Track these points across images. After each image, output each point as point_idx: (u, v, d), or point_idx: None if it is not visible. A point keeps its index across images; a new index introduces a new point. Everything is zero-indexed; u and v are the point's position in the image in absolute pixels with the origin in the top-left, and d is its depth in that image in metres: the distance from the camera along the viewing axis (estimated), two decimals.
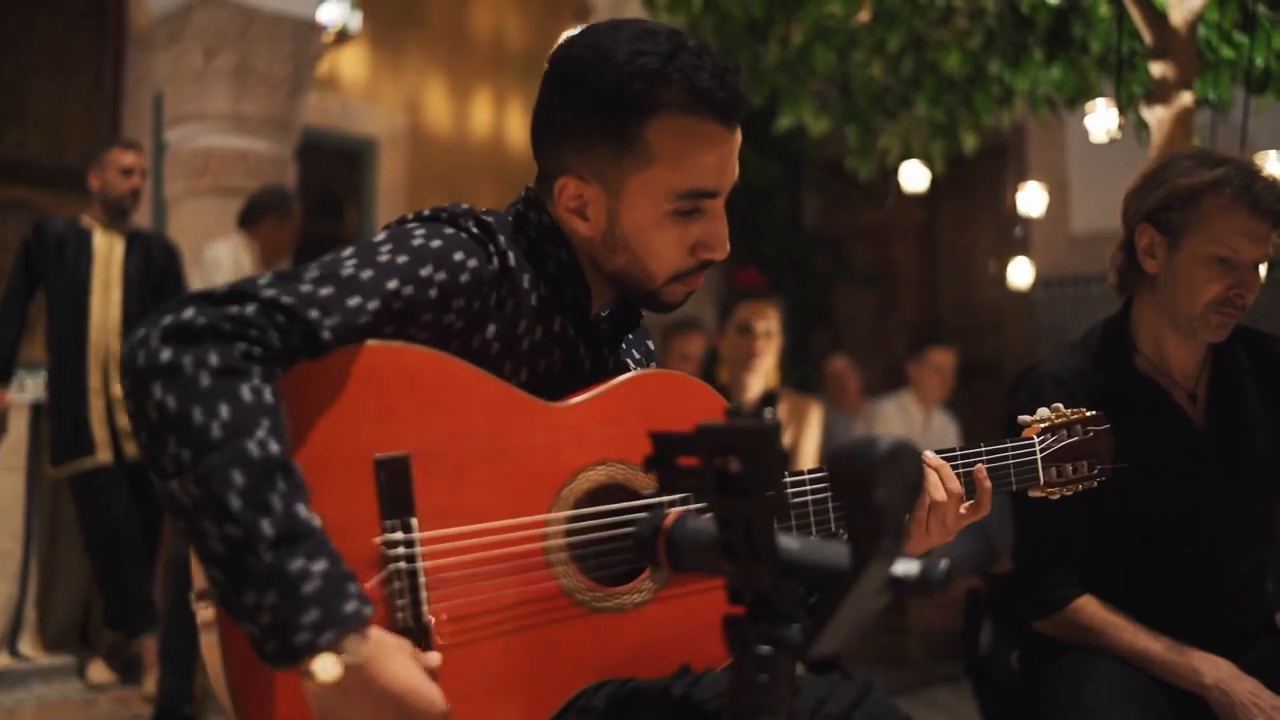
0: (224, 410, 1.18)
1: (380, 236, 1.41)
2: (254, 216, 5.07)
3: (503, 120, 8.24)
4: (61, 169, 6.01)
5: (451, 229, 1.43)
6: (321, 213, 7.41)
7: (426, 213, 1.47)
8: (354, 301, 1.31)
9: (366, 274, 1.34)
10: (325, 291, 1.30)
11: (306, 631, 1.16)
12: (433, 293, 1.38)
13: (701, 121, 1.44)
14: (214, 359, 1.20)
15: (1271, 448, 2.23)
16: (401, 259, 1.37)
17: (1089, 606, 2.16)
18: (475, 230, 1.45)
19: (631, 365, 1.66)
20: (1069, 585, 2.18)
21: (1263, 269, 3.43)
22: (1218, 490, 2.19)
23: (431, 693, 1.24)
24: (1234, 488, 2.20)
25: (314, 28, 6.19)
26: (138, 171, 4.60)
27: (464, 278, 1.40)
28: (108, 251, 4.55)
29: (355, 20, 6.58)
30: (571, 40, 1.50)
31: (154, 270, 4.64)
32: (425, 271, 1.37)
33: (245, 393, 1.20)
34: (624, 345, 1.69)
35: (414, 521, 1.34)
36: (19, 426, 4.70)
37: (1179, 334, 2.19)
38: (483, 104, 8.13)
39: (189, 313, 1.22)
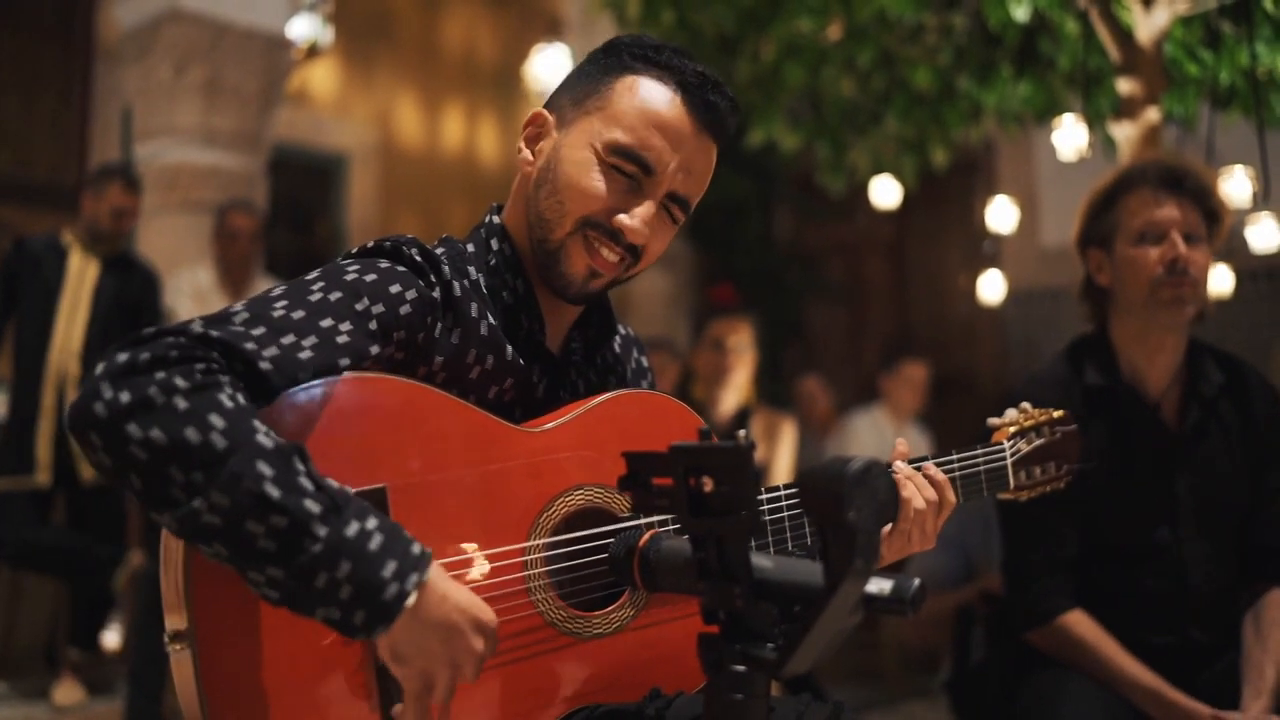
0: (216, 420, 1.15)
1: (312, 274, 1.38)
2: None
3: (474, 134, 8.23)
4: (30, 184, 5.95)
5: (387, 261, 1.41)
6: (292, 228, 7.37)
7: (370, 244, 1.45)
8: (288, 340, 1.28)
9: (298, 314, 1.30)
10: (257, 331, 1.27)
11: (393, 583, 1.17)
12: (373, 326, 1.34)
13: (665, 95, 1.47)
14: (180, 381, 1.16)
15: (1242, 469, 2.25)
16: (335, 296, 1.34)
17: (1082, 623, 2.15)
18: (418, 259, 1.42)
19: (612, 386, 1.64)
20: (1060, 596, 2.18)
21: (1226, 275, 3.45)
22: (1188, 503, 2.21)
23: (483, 603, 1.25)
24: (1204, 502, 2.22)
25: (284, 42, 6.16)
26: (130, 215, 4.49)
27: (403, 309, 1.38)
28: (81, 272, 4.44)
29: (326, 35, 6.57)
30: None
31: (128, 298, 4.50)
32: (360, 306, 1.34)
33: (225, 400, 1.18)
34: (608, 362, 1.67)
35: None
36: None
37: (1148, 345, 2.24)
38: (454, 118, 8.12)
39: (125, 355, 1.18)
